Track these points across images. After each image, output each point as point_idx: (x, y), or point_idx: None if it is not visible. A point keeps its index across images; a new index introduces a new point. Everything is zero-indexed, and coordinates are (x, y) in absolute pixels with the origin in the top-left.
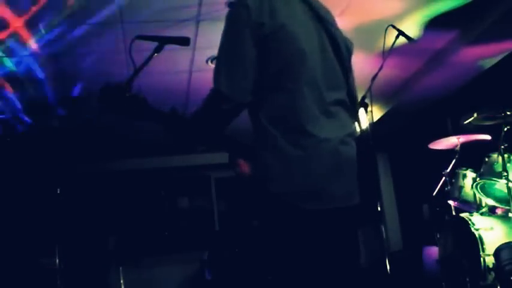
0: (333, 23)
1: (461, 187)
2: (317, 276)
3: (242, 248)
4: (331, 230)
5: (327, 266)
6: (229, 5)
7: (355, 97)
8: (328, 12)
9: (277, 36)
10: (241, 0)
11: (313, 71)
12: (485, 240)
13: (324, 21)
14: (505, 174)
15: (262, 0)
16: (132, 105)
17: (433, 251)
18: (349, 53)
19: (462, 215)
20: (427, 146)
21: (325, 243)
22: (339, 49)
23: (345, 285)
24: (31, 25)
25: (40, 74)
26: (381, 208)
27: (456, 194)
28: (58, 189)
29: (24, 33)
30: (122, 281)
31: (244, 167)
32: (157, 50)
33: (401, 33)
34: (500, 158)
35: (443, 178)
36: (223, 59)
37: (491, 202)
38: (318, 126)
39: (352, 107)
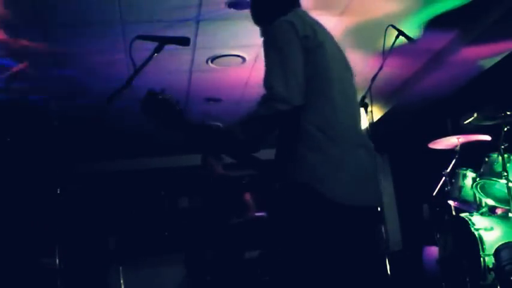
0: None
1: (461, 187)
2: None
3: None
4: (368, 225)
5: (363, 260)
6: (277, 23)
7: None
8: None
9: (318, 51)
10: (286, 20)
11: (340, 84)
12: (485, 240)
13: (337, 45)
14: (505, 174)
15: (304, 20)
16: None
17: (433, 251)
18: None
19: (462, 215)
20: (427, 146)
21: (363, 237)
22: (352, 75)
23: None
24: None
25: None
26: (380, 208)
27: (456, 194)
28: (58, 189)
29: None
30: (121, 281)
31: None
32: (157, 50)
33: (401, 33)
34: (500, 158)
35: (443, 178)
36: (278, 65)
37: (491, 202)
38: (351, 133)
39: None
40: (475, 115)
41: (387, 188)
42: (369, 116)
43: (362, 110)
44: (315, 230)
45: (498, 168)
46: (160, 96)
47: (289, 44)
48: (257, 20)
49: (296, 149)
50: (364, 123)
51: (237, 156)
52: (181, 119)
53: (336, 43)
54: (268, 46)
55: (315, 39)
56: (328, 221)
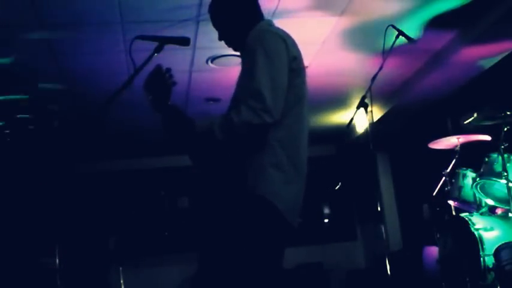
0: None
1: (461, 187)
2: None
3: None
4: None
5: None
6: (264, 32)
7: None
8: None
9: (301, 73)
10: (278, 34)
11: (306, 112)
12: (485, 240)
13: None
14: (505, 174)
15: (287, 36)
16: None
17: (433, 251)
18: None
19: (462, 215)
20: (427, 146)
21: (282, 251)
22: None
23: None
24: None
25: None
26: (381, 208)
27: (456, 194)
28: (58, 189)
29: None
30: (121, 281)
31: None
32: (157, 50)
33: (401, 33)
34: (500, 158)
35: (443, 178)
36: (267, 75)
37: (491, 202)
38: (305, 161)
39: None
40: (475, 115)
41: (387, 188)
42: (369, 116)
43: (362, 110)
44: (260, 236)
45: (498, 168)
46: (167, 76)
47: (279, 58)
48: (226, 32)
49: (258, 161)
50: (364, 123)
51: (203, 155)
52: (171, 107)
53: None
54: (257, 52)
55: (300, 61)
56: (273, 231)
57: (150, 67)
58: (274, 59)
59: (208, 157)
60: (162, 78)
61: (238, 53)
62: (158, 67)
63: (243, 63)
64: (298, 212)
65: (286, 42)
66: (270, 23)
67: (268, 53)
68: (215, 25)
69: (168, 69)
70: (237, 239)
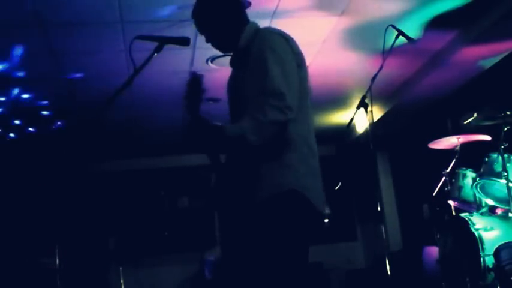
0: None
1: (461, 187)
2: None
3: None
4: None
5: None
6: (268, 33)
7: None
8: None
9: (303, 67)
10: (280, 33)
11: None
12: (485, 240)
13: None
14: (505, 174)
15: (284, 33)
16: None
17: (433, 251)
18: None
19: (462, 215)
20: (427, 146)
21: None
22: None
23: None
24: None
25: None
26: (381, 208)
27: (456, 194)
28: (58, 190)
29: None
30: (121, 281)
31: None
32: (157, 50)
33: (401, 33)
34: (500, 158)
35: (443, 178)
36: (280, 74)
37: (491, 202)
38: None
39: None
40: (475, 115)
41: (387, 188)
42: (369, 116)
43: (362, 110)
44: (299, 227)
45: (498, 168)
46: (202, 82)
47: (287, 56)
48: (214, 34)
49: (284, 158)
50: (364, 123)
51: (233, 159)
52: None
53: None
54: (266, 53)
55: (301, 55)
56: (309, 222)
57: (150, 67)
58: (283, 58)
59: (239, 160)
60: (198, 86)
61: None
62: (195, 74)
63: (242, 65)
64: (325, 203)
65: (287, 39)
66: (258, 26)
67: (277, 52)
68: (200, 29)
69: (202, 76)
70: (278, 233)
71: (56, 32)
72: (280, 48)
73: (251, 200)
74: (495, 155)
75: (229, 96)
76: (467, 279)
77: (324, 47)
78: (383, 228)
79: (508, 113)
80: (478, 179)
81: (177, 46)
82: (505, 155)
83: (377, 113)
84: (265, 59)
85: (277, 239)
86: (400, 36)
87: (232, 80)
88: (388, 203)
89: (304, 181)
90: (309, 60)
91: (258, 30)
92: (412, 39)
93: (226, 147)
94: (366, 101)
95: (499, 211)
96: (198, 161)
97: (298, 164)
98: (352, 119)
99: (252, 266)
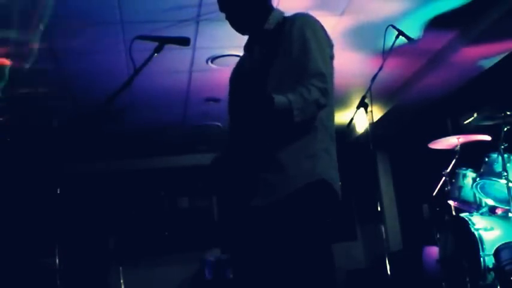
0: None
1: (461, 187)
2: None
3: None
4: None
5: None
6: (310, 17)
7: None
8: None
9: (333, 61)
10: (320, 22)
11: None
12: (485, 240)
13: None
14: (505, 174)
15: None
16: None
17: (433, 251)
18: None
19: (462, 215)
20: (427, 146)
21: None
22: None
23: None
24: None
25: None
26: (381, 208)
27: (456, 194)
28: (58, 189)
29: None
30: (121, 281)
31: None
32: (157, 50)
33: (401, 33)
34: (500, 158)
35: (443, 178)
36: (321, 60)
37: (491, 202)
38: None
39: None
40: (475, 115)
41: (387, 188)
42: (369, 116)
43: (362, 110)
44: (328, 216)
45: (498, 168)
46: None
47: (325, 45)
48: (238, 14)
49: (310, 146)
50: (364, 123)
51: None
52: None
53: None
54: (307, 35)
55: (333, 48)
56: (336, 212)
57: (150, 67)
58: (323, 45)
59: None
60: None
61: (238, 53)
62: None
63: (269, 46)
64: None
65: (325, 30)
66: (284, 13)
67: (318, 36)
68: (224, 6)
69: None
70: (313, 225)
71: (55, 32)
72: (320, 33)
73: (280, 190)
74: (495, 155)
75: (236, 84)
76: (467, 279)
77: None
78: (383, 228)
79: (508, 113)
80: (478, 179)
81: (177, 46)
82: (505, 155)
83: (377, 113)
84: (307, 40)
85: (312, 231)
86: (400, 36)
87: (248, 63)
88: (388, 203)
89: (331, 172)
90: None
91: (286, 17)
92: (412, 39)
93: (269, 120)
94: (366, 101)
95: (499, 211)
96: (198, 161)
97: (322, 153)
98: (352, 119)
99: (285, 262)
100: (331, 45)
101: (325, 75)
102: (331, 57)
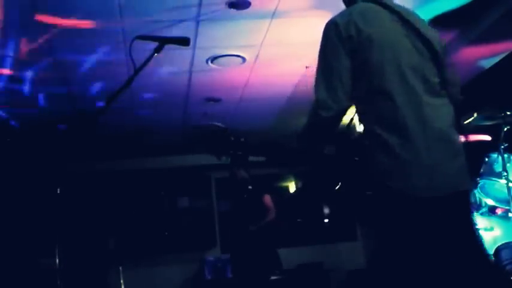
0: (424, 26)
1: None
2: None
3: None
4: (440, 215)
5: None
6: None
7: (456, 93)
8: (418, 18)
9: (366, 47)
10: (332, 19)
11: (404, 73)
12: (485, 240)
13: (414, 26)
14: (505, 174)
15: (350, 14)
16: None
17: None
18: (444, 50)
19: None
20: None
21: (436, 227)
22: (433, 48)
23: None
24: None
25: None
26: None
27: None
28: (58, 189)
29: None
30: (121, 281)
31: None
32: (157, 50)
33: None
34: (500, 158)
35: None
36: (321, 72)
37: (491, 202)
38: (419, 128)
39: (451, 101)
40: (475, 115)
41: None
42: None
43: None
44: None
45: (498, 168)
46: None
47: (332, 47)
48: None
49: (369, 152)
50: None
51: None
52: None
53: (406, 27)
54: (319, 51)
55: (359, 36)
56: (402, 214)
57: (150, 67)
58: (326, 53)
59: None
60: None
61: (238, 53)
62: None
63: None
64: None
65: (337, 25)
66: (357, 8)
67: (321, 48)
68: None
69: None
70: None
71: (55, 32)
72: (325, 45)
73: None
74: (495, 155)
75: None
76: None
77: None
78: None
79: (508, 113)
80: (478, 179)
81: (177, 46)
82: (505, 155)
83: None
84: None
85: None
86: None
87: None
88: None
89: (394, 175)
90: (309, 61)
91: None
92: None
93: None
94: None
95: (499, 211)
96: (198, 161)
97: (381, 156)
98: (352, 119)
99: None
100: (347, 37)
101: (316, 95)
102: (355, 49)
